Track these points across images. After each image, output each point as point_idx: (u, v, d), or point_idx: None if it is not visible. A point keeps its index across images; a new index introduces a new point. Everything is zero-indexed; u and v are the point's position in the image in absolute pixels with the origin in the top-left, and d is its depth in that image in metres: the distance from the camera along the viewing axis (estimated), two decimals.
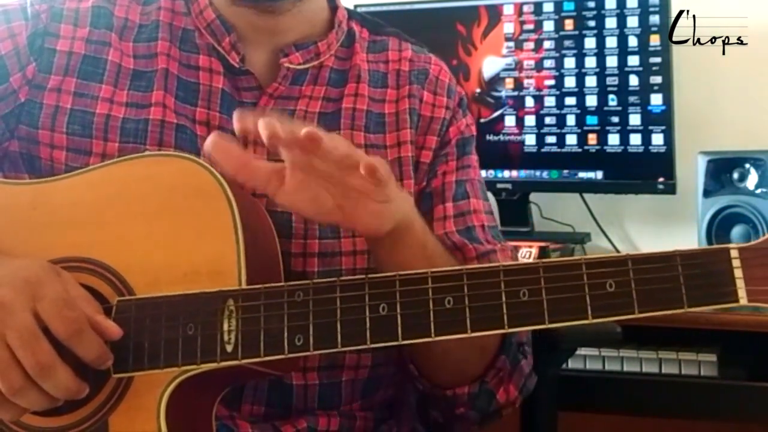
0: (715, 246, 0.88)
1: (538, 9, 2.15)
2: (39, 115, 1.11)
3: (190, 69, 1.14)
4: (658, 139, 2.06)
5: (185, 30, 1.16)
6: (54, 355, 0.89)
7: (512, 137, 2.19)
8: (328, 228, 1.10)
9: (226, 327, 0.92)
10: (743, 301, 0.85)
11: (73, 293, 0.93)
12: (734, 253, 0.86)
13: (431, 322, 0.89)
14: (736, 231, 1.88)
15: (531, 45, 2.16)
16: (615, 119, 2.09)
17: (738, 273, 0.85)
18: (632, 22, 2.07)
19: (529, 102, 2.17)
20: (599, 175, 2.13)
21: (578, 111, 2.12)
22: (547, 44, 2.15)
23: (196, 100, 1.12)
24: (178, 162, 1.02)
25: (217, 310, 0.92)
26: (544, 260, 0.90)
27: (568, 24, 2.13)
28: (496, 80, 2.20)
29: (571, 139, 2.14)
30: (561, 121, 2.14)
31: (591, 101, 2.11)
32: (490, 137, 2.20)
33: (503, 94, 2.19)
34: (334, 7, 1.22)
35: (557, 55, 2.14)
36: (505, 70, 2.19)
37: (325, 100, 1.16)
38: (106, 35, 1.14)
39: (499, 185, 2.20)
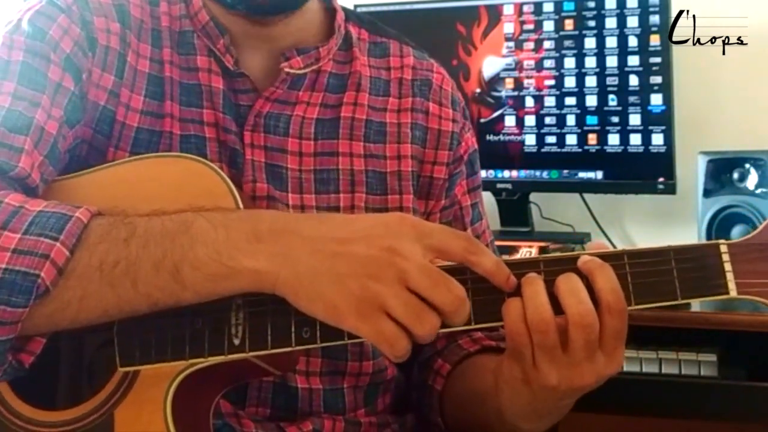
0: (706, 242, 0.92)
1: (538, 9, 2.15)
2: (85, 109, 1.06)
3: (190, 72, 1.11)
4: (658, 139, 2.06)
5: (183, 32, 1.12)
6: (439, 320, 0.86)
7: (512, 137, 2.19)
8: None
9: (233, 320, 0.91)
10: (733, 293, 0.89)
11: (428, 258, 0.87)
12: (724, 248, 0.90)
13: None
14: (736, 231, 1.88)
15: (531, 45, 2.16)
16: (615, 119, 2.09)
17: (728, 267, 0.89)
18: (632, 22, 2.07)
19: (529, 102, 2.17)
20: (599, 175, 2.13)
21: (578, 111, 2.13)
22: (547, 44, 2.15)
23: (201, 101, 1.10)
24: (183, 162, 1.01)
25: (224, 304, 0.91)
26: (544, 255, 0.91)
27: (568, 24, 2.13)
28: (496, 80, 2.20)
29: (571, 139, 2.14)
30: (561, 121, 2.14)
31: (591, 101, 2.11)
32: (490, 137, 2.20)
33: (503, 94, 2.19)
34: (331, 10, 1.19)
35: (557, 55, 2.14)
36: (505, 70, 2.19)
37: (323, 106, 1.15)
38: (126, 34, 1.10)
39: (499, 185, 2.20)
